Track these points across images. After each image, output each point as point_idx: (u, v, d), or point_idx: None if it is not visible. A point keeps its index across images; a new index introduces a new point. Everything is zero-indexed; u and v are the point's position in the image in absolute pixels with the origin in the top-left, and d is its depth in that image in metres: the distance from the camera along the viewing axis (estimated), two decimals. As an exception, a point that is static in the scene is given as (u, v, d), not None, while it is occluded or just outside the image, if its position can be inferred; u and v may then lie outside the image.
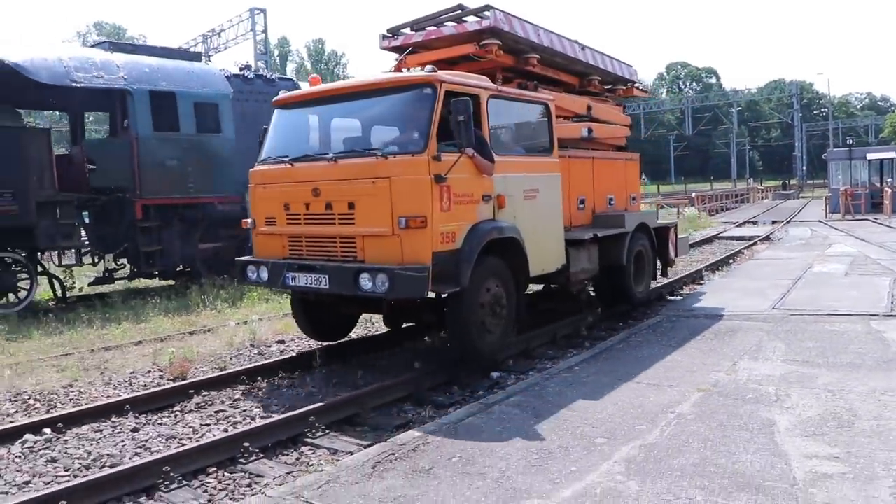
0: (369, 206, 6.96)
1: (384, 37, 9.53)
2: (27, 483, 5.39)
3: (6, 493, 5.20)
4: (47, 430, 6.37)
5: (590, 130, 10.24)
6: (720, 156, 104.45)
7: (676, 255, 12.41)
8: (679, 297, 12.57)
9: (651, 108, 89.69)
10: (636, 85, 12.45)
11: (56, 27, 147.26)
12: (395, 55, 9.53)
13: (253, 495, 4.84)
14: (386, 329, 9.54)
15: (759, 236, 23.42)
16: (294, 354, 8.84)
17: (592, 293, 11.38)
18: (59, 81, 13.23)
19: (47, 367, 8.70)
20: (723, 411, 5.91)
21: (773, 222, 30.60)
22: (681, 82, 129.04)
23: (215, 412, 6.90)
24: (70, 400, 7.46)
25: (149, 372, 8.45)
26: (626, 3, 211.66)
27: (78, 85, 13.43)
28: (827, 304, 10.41)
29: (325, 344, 9.06)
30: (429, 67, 7.29)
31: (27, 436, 6.26)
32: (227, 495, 5.06)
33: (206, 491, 5.17)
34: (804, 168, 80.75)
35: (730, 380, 6.83)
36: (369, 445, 5.63)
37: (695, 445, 5.18)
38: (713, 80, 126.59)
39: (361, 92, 7.74)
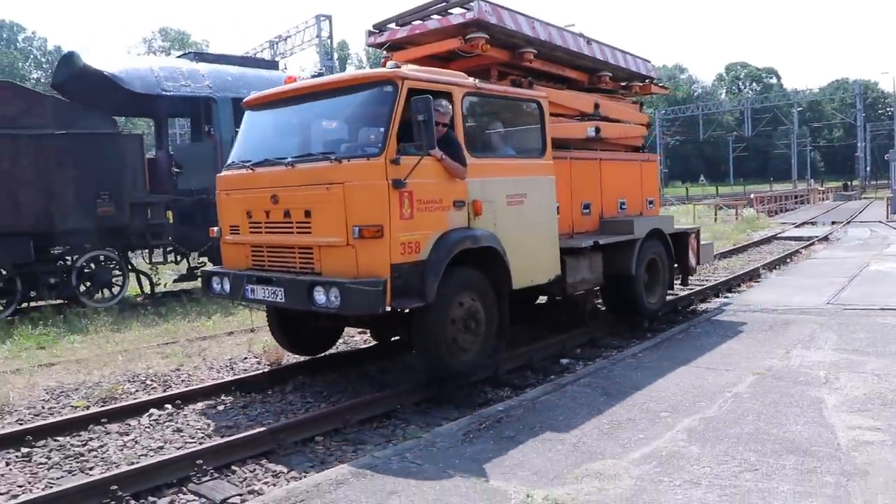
0: (324, 214, 6.45)
1: (370, 32, 8.97)
2: (161, 448, 6.21)
3: (145, 454, 6.03)
4: (168, 406, 7.22)
5: (597, 130, 9.67)
6: (780, 157, 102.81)
7: (699, 263, 11.57)
8: (737, 293, 13.03)
9: (710, 110, 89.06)
10: (654, 81, 11.57)
11: (124, 33, 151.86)
12: (384, 52, 9.05)
13: (362, 457, 5.59)
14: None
15: (817, 236, 23.54)
16: (376, 344, 9.54)
17: (601, 304, 10.80)
18: (150, 90, 14.20)
19: (153, 354, 9.57)
20: (776, 391, 6.51)
21: (833, 223, 30.49)
22: (740, 83, 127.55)
23: (313, 392, 7.67)
24: (181, 381, 8.29)
25: (245, 358, 9.24)
26: (685, 4, 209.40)
27: (167, 93, 14.42)
28: (881, 300, 10.83)
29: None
30: (391, 63, 6.87)
31: (152, 410, 7.11)
32: (336, 458, 5.81)
33: (316, 455, 5.93)
34: (867, 169, 79.25)
35: (783, 365, 7.40)
36: (457, 418, 6.35)
37: (749, 418, 5.80)
38: (773, 81, 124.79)
39: (322, 91, 7.19)
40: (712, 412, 6.01)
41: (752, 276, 14.87)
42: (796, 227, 29.55)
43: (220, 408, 7.27)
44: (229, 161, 7.70)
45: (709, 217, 34.19)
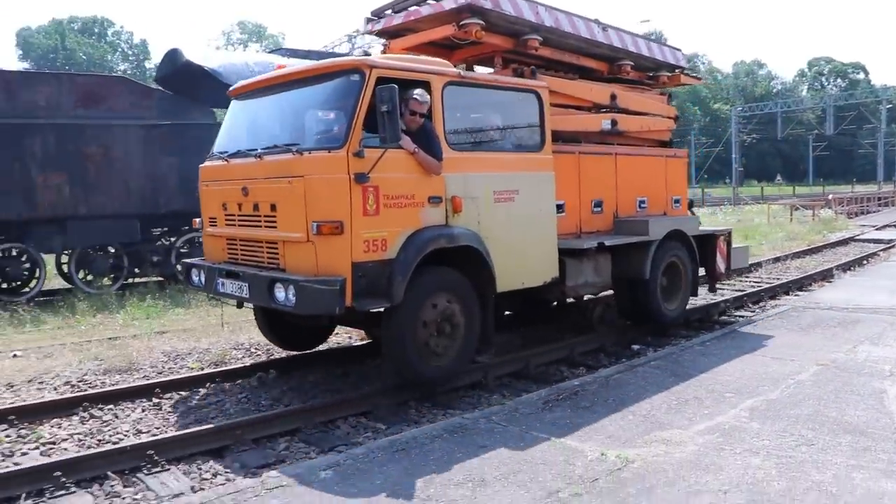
0: (288, 209, 6.20)
1: (368, 20, 8.63)
2: (271, 405, 6.98)
3: (257, 410, 6.80)
4: (273, 371, 7.98)
5: (614, 123, 9.12)
6: (865, 157, 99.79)
7: (729, 268, 10.70)
8: (807, 292, 13.25)
9: (789, 107, 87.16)
10: (684, 71, 10.77)
11: (204, 26, 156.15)
12: (383, 40, 8.81)
13: (452, 417, 6.27)
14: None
15: (897, 240, 23.32)
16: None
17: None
18: None
19: (252, 327, 10.36)
20: (838, 380, 6.83)
21: (918, 227, 29.95)
22: (823, 79, 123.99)
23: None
24: (283, 351, 9.09)
25: (337, 332, 10.00)
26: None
27: None
28: (959, 304, 10.93)
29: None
30: (359, 51, 6.42)
31: (259, 374, 7.90)
32: (427, 420, 6.49)
33: (409, 417, 6.63)
34: (963, 171, 76.43)
35: (848, 358, 7.68)
36: (537, 390, 6.96)
37: (810, 402, 6.20)
38: (860, 76, 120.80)
39: (294, 81, 6.89)
40: (774, 395, 6.42)
41: (825, 276, 14.94)
42: (877, 229, 29.00)
43: (321, 374, 7.99)
44: (211, 152, 7.54)
45: (784, 217, 33.84)
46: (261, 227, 6.55)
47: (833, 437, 5.39)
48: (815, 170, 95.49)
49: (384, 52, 8.44)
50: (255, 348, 9.07)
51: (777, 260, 17.46)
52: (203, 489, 5.04)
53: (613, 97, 9.29)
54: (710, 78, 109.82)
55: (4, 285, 14.29)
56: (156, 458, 5.48)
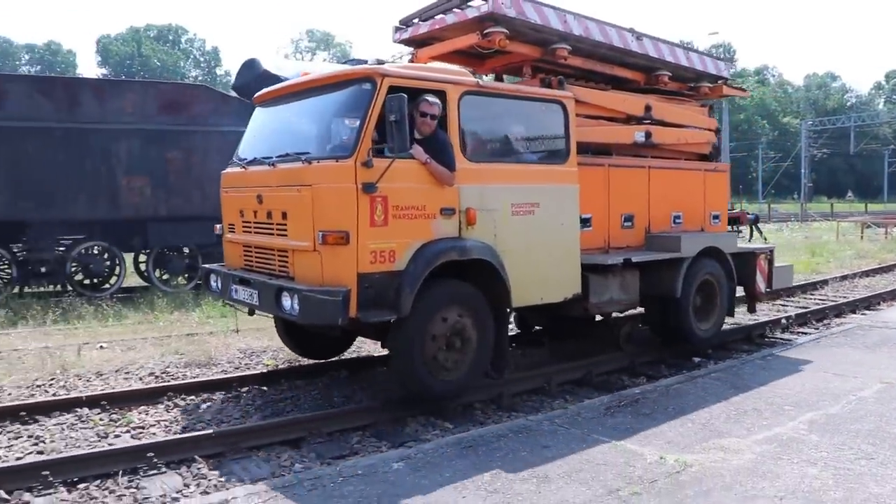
0: (297, 217, 6.20)
1: (396, 28, 8.53)
2: (344, 402, 7.34)
3: (331, 406, 7.16)
4: (344, 370, 8.41)
5: (648, 135, 8.87)
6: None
7: (770, 288, 10.28)
8: (875, 311, 13.10)
9: (864, 121, 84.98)
10: (727, 82, 10.39)
11: (274, 34, 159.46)
12: (411, 49, 8.66)
13: (517, 419, 6.54)
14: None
15: (976, 261, 22.68)
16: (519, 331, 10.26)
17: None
18: None
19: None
20: (903, 399, 6.87)
21: None
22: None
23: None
24: (352, 352, 9.41)
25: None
26: (842, 8, 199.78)
27: None
28: None
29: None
30: (373, 60, 6.59)
31: (331, 372, 8.30)
32: (493, 421, 6.77)
33: (475, 418, 6.94)
34: None
35: (915, 378, 7.72)
36: (598, 396, 7.20)
37: (871, 418, 6.21)
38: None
39: (310, 89, 6.90)
40: (835, 410, 6.48)
41: (895, 295, 14.82)
42: (958, 249, 28.26)
43: (389, 374, 8.31)
44: (232, 158, 7.58)
45: (854, 235, 33.16)
46: (273, 234, 6.57)
47: (894, 452, 5.45)
48: (890, 186, 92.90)
49: (412, 61, 8.39)
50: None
51: (844, 278, 17.21)
52: (283, 475, 5.40)
53: (648, 108, 9.02)
54: (781, 91, 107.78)
55: (87, 281, 15.05)
56: (238, 444, 5.88)
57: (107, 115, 14.25)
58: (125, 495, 5.16)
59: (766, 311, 12.25)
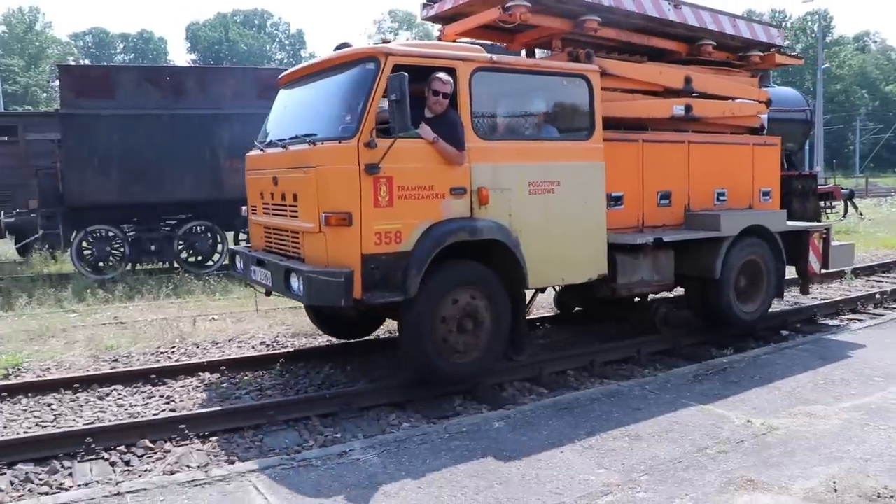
0: (305, 199, 6.22)
1: (424, 5, 8.27)
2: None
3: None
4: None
5: (688, 108, 8.46)
6: None
7: (825, 269, 9.71)
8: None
9: None
10: (781, 50, 9.66)
11: (356, 15, 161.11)
12: (438, 25, 8.42)
13: (608, 384, 6.92)
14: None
15: None
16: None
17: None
18: None
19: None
20: None
21: None
22: None
23: (560, 340, 9.02)
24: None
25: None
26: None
27: None
28: None
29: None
30: (378, 38, 6.46)
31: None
32: (585, 387, 7.15)
33: (569, 384, 7.33)
34: None
35: None
36: (687, 365, 7.52)
37: (965, 391, 6.39)
38: None
39: (322, 70, 6.87)
40: (927, 382, 6.65)
41: None
42: None
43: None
44: (256, 141, 7.58)
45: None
46: (287, 216, 6.60)
47: None
48: None
49: (440, 38, 8.22)
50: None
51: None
52: (392, 432, 5.91)
53: (688, 80, 8.59)
54: (883, 58, 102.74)
55: (193, 258, 15.99)
56: (349, 405, 6.42)
57: (210, 101, 15.08)
58: (252, 447, 5.75)
59: (858, 287, 12.24)
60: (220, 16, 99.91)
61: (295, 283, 6.13)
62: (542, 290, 8.30)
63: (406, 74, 5.70)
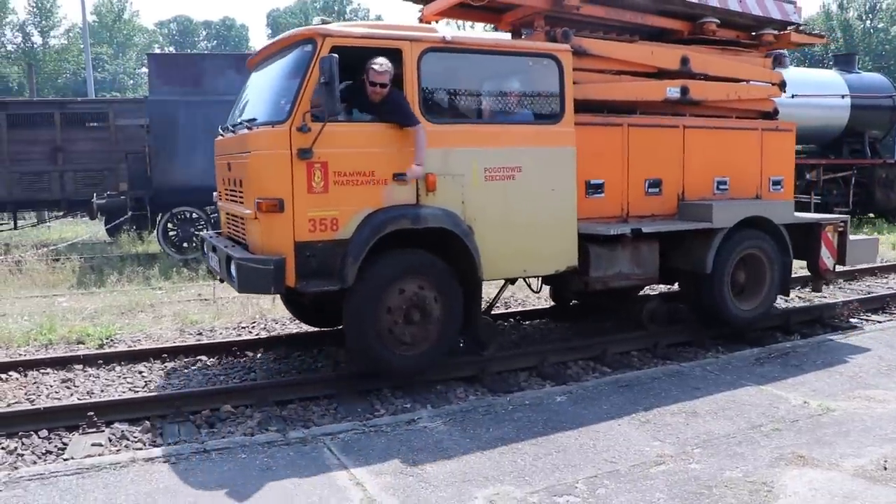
0: (246, 184, 6.16)
1: None
2: (512, 346, 8.04)
3: (501, 350, 7.86)
4: (512, 319, 9.11)
5: (684, 90, 7.94)
6: None
7: (841, 265, 8.90)
8: None
9: None
10: (799, 28, 9.05)
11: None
12: (419, 6, 8.08)
13: (670, 365, 7.11)
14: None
15: None
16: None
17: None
18: None
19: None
20: None
21: None
22: None
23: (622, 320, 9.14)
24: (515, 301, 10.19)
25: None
26: None
27: None
28: None
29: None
30: (317, 20, 6.29)
31: (499, 322, 9.03)
32: (648, 367, 7.30)
33: (632, 364, 7.46)
34: None
35: None
36: (749, 348, 7.63)
37: None
38: None
39: (273, 53, 6.74)
40: None
41: None
42: None
43: (552, 324, 9.05)
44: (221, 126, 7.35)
45: None
46: (237, 202, 6.52)
47: None
48: None
49: (421, 20, 7.91)
50: (487, 300, 10.20)
51: None
52: (460, 402, 6.22)
53: (685, 61, 7.97)
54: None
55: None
56: (420, 379, 6.73)
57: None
58: (326, 414, 6.14)
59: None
60: (300, 2, 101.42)
61: (234, 270, 5.96)
62: (513, 282, 7.88)
63: (336, 56, 5.53)
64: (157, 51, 72.84)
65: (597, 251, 7.09)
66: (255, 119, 6.23)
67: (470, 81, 6.93)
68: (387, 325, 6.20)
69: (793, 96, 18.64)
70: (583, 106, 7.17)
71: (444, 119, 6.44)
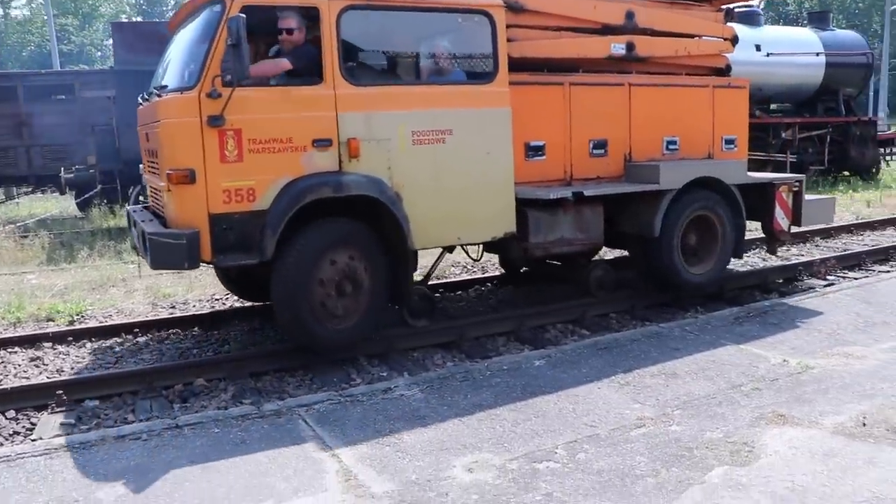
0: (160, 155, 5.80)
1: None
2: (489, 311, 8.01)
3: (476, 315, 7.81)
4: (489, 284, 9.15)
5: (630, 46, 7.62)
6: None
7: (797, 225, 8.61)
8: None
9: None
10: None
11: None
12: None
13: (649, 326, 7.07)
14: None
15: None
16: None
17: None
18: None
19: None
20: None
21: None
22: None
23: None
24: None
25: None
26: None
27: None
28: None
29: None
30: None
31: (476, 286, 8.97)
32: (627, 328, 7.26)
33: (611, 326, 7.45)
34: None
35: None
36: (728, 308, 7.63)
37: None
38: None
39: (188, 14, 6.39)
40: (972, 325, 6.62)
41: None
42: None
43: (530, 288, 8.93)
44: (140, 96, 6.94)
45: None
46: (155, 173, 6.21)
47: None
48: None
49: None
50: (469, 265, 10.14)
51: None
52: (437, 370, 6.15)
53: (630, 15, 7.64)
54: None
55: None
56: (395, 346, 6.67)
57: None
58: (302, 385, 6.08)
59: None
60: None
61: (147, 244, 5.66)
62: (450, 250, 7.49)
63: (243, 16, 5.27)
64: (124, 20, 71.46)
65: (536, 216, 6.83)
66: (166, 86, 5.91)
67: (395, 40, 6.70)
68: (319, 298, 5.97)
69: (768, 55, 18.62)
70: (521, 65, 6.89)
71: (367, 81, 6.18)
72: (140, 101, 6.76)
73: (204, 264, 5.82)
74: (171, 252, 5.44)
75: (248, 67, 5.37)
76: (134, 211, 6.96)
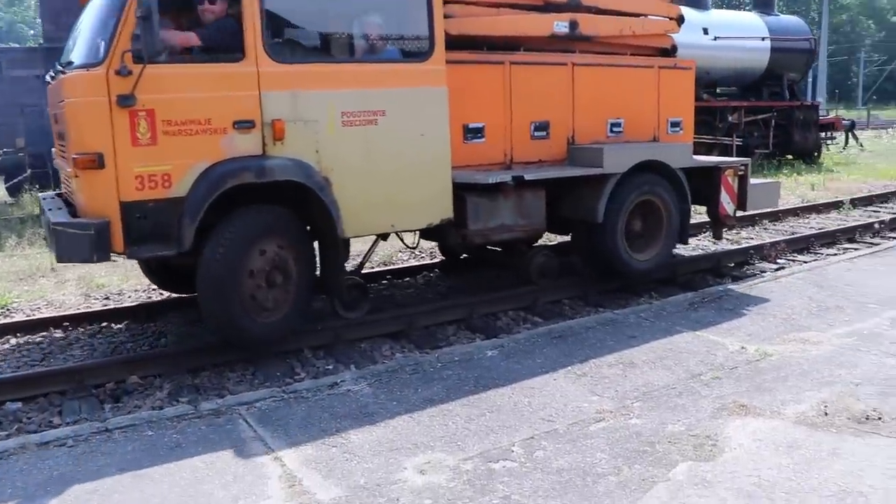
0: (68, 138, 5.36)
1: None
2: (439, 298, 7.78)
3: (426, 302, 7.57)
4: (437, 270, 8.87)
5: (573, 25, 7.36)
6: None
7: (742, 210, 8.53)
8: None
9: None
10: None
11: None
12: None
13: (603, 313, 6.88)
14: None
15: None
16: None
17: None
18: None
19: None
20: None
21: None
22: None
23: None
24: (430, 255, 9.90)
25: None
26: None
27: None
28: None
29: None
30: None
31: (425, 272, 8.77)
32: (581, 316, 7.07)
33: (564, 313, 7.34)
34: None
35: None
36: (683, 293, 7.54)
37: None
38: None
39: None
40: (921, 309, 6.60)
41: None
42: None
43: (477, 275, 8.64)
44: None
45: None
46: (65, 158, 5.69)
47: (974, 343, 5.59)
48: None
49: None
50: (420, 252, 9.85)
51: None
52: (386, 362, 5.89)
53: None
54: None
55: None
56: (343, 337, 6.41)
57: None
58: (243, 381, 5.78)
59: (856, 217, 12.17)
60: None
61: (53, 235, 5.28)
62: (384, 238, 7.13)
63: None
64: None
65: (475, 202, 6.60)
66: (72, 62, 5.44)
67: (323, 16, 6.32)
68: (249, 290, 5.60)
69: (715, 38, 18.67)
70: (460, 42, 6.62)
71: (293, 58, 5.82)
72: (48, 79, 6.23)
73: (116, 256, 5.37)
74: (77, 243, 5.04)
75: (160, 42, 4.99)
76: (44, 198, 6.47)
